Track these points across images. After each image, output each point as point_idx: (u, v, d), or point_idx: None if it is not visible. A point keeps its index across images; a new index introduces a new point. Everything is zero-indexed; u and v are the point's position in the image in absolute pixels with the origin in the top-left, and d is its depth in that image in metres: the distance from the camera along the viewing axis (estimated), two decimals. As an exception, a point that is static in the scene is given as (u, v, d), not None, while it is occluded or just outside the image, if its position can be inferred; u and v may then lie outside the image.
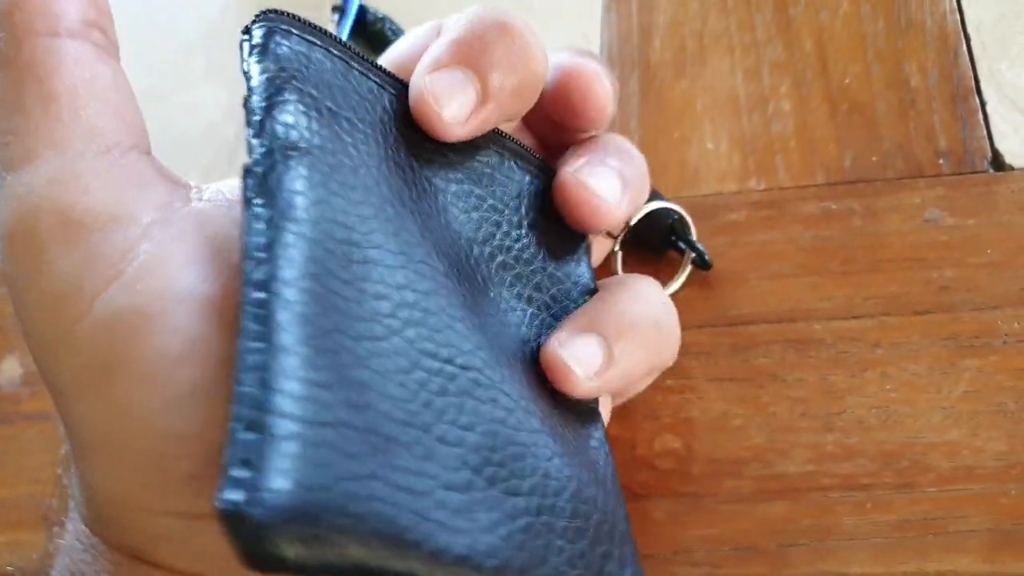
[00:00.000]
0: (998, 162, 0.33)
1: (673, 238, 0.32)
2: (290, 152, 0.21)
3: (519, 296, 0.26)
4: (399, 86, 0.25)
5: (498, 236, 0.26)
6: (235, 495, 0.16)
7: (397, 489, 0.18)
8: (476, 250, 0.25)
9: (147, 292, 0.19)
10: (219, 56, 0.43)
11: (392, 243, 0.21)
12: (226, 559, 0.18)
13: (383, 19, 0.40)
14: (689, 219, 0.32)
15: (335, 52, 0.24)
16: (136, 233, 0.20)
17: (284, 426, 0.17)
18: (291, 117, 0.21)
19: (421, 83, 0.24)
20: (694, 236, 0.32)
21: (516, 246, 0.26)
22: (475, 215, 0.26)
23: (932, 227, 0.32)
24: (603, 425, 0.25)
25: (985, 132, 0.33)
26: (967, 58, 0.35)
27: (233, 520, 0.16)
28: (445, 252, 0.24)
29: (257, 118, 0.21)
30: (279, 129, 0.21)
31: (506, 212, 0.27)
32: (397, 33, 0.40)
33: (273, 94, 0.21)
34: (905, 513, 0.28)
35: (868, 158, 0.34)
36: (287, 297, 0.18)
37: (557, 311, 0.26)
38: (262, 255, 0.19)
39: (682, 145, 0.36)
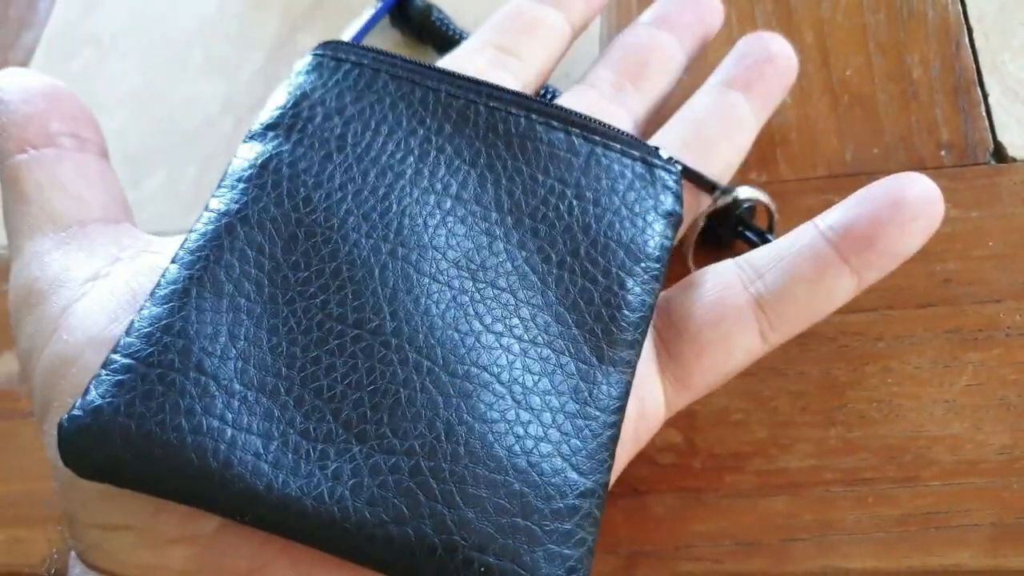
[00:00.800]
0: (1000, 154, 0.33)
1: (741, 228, 0.32)
2: (292, 141, 0.26)
3: (541, 266, 0.26)
4: (439, 76, 0.28)
5: (530, 203, 0.27)
6: (65, 415, 0.22)
7: (237, 429, 0.22)
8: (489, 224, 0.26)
9: (70, 341, 0.24)
10: (216, 51, 0.43)
11: (347, 224, 0.25)
12: (145, 567, 0.23)
13: (430, 6, 0.40)
14: (774, 209, 0.31)
15: (368, 64, 0.28)
16: (73, 294, 0.25)
17: (117, 360, 0.22)
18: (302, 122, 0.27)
19: None
20: (774, 228, 0.32)
21: (550, 215, 0.26)
22: (508, 184, 0.27)
23: (934, 220, 0.32)
24: (619, 406, 0.24)
25: (987, 124, 0.33)
26: (969, 50, 0.35)
27: (58, 431, 0.21)
28: (427, 235, 0.25)
29: (270, 118, 0.27)
30: (284, 126, 0.27)
31: (550, 183, 0.27)
32: (444, 21, 0.39)
33: (287, 104, 0.27)
34: (908, 507, 0.27)
35: (870, 151, 0.34)
36: (184, 261, 0.24)
37: (591, 271, 0.26)
38: (189, 235, 0.25)
39: (682, 138, 0.35)
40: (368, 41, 0.41)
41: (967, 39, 0.35)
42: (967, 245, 0.31)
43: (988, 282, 0.30)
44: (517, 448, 0.23)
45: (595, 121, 0.28)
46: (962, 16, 0.36)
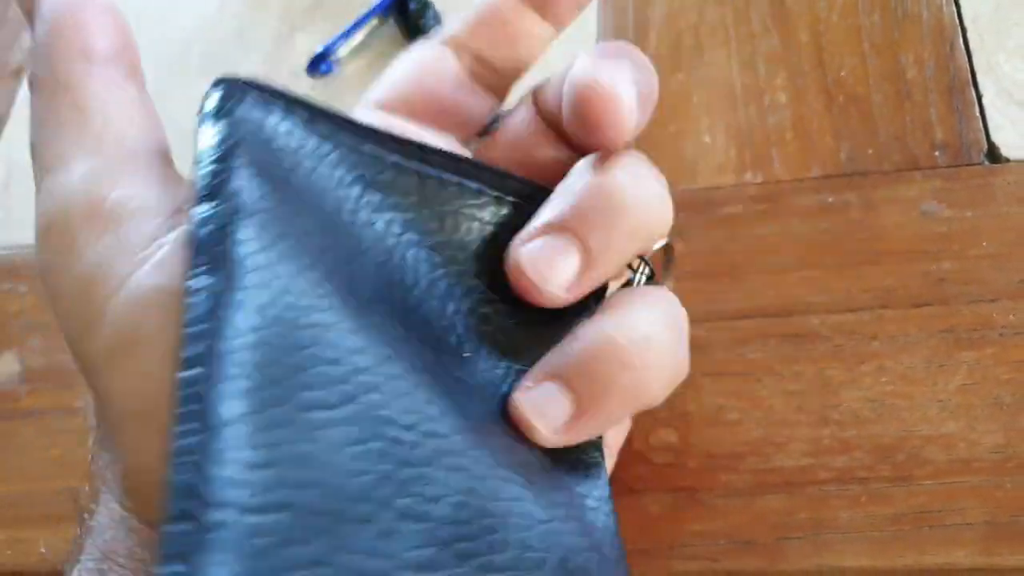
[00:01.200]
0: (994, 154, 0.33)
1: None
2: (237, 218, 0.20)
3: (501, 348, 0.24)
4: (368, 136, 0.24)
5: (478, 290, 0.24)
6: None
7: (348, 572, 0.18)
8: (452, 306, 0.24)
9: (176, 273, 0.20)
10: (214, 51, 0.43)
11: (345, 307, 0.21)
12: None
13: (425, 5, 0.40)
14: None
15: (293, 113, 0.23)
16: (161, 223, 0.22)
17: (217, 516, 0.17)
18: (240, 182, 0.21)
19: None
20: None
21: (499, 295, 0.24)
22: (452, 268, 0.24)
23: (929, 219, 0.32)
24: (605, 478, 0.24)
25: (981, 124, 0.33)
26: (963, 50, 0.35)
27: None
28: (411, 310, 0.23)
29: (206, 183, 0.21)
30: (228, 193, 0.21)
31: (486, 262, 0.25)
32: (438, 19, 0.40)
33: (221, 158, 0.21)
34: (901, 506, 0.28)
35: (864, 150, 0.34)
36: (224, 372, 0.18)
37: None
38: (201, 327, 0.19)
39: (679, 138, 0.36)
40: (366, 40, 0.41)
41: (962, 40, 0.35)
42: (962, 245, 0.31)
43: (982, 282, 0.30)
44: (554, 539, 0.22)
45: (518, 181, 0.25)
46: (956, 17, 0.36)
